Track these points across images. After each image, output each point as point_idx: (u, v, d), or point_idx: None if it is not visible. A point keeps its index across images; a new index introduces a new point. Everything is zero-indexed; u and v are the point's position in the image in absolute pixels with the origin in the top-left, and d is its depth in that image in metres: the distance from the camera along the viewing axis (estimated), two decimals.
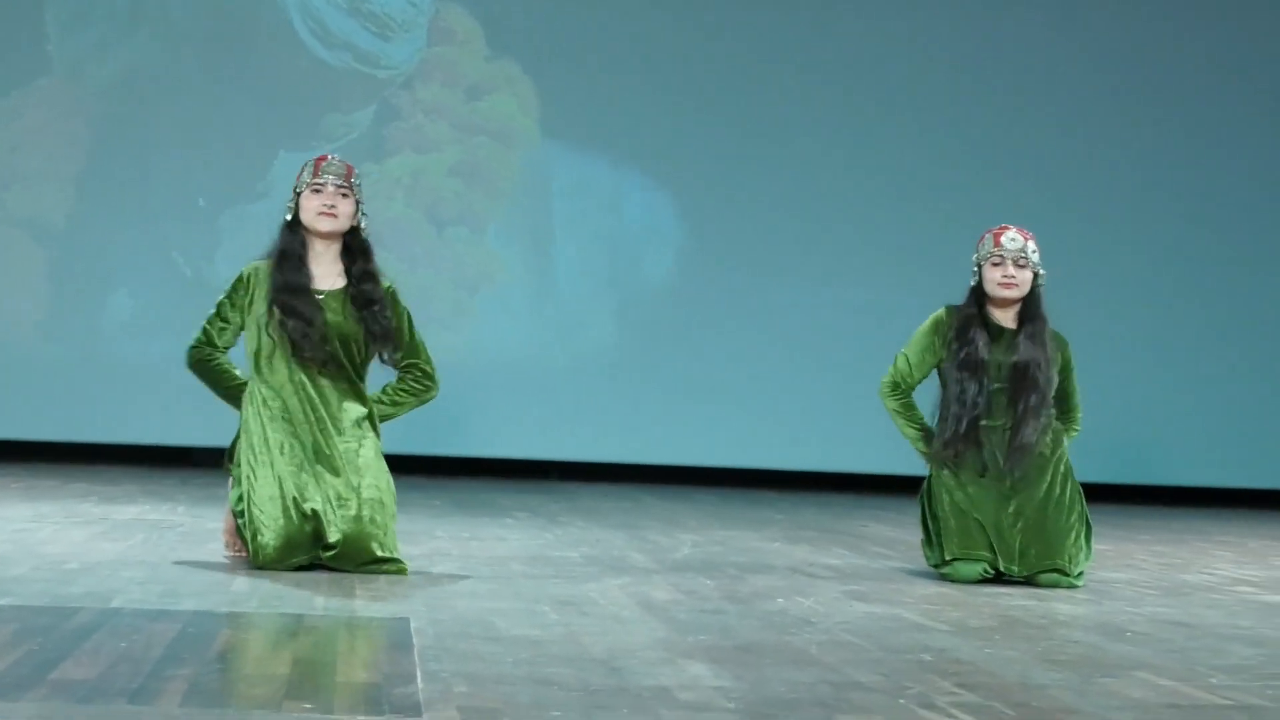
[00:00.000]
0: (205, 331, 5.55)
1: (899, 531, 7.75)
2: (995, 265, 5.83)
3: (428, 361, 5.66)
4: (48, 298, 10.65)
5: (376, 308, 5.49)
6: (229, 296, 5.53)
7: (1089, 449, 6.05)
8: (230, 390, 5.56)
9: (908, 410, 5.97)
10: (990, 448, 5.80)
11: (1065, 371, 5.95)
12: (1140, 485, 10.89)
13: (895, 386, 5.97)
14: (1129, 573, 6.24)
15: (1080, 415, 6.04)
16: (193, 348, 5.55)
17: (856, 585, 5.50)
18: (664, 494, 9.77)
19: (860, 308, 11.06)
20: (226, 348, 5.56)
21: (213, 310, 5.56)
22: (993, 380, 5.80)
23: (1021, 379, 5.79)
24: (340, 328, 5.45)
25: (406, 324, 5.62)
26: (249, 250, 5.67)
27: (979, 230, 6.01)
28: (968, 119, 11.17)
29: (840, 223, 11.10)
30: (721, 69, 11.07)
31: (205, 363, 5.55)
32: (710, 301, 11.04)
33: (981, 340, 5.81)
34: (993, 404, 5.81)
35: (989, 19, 11.26)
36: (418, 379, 5.65)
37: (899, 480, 10.71)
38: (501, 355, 10.85)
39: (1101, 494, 5.99)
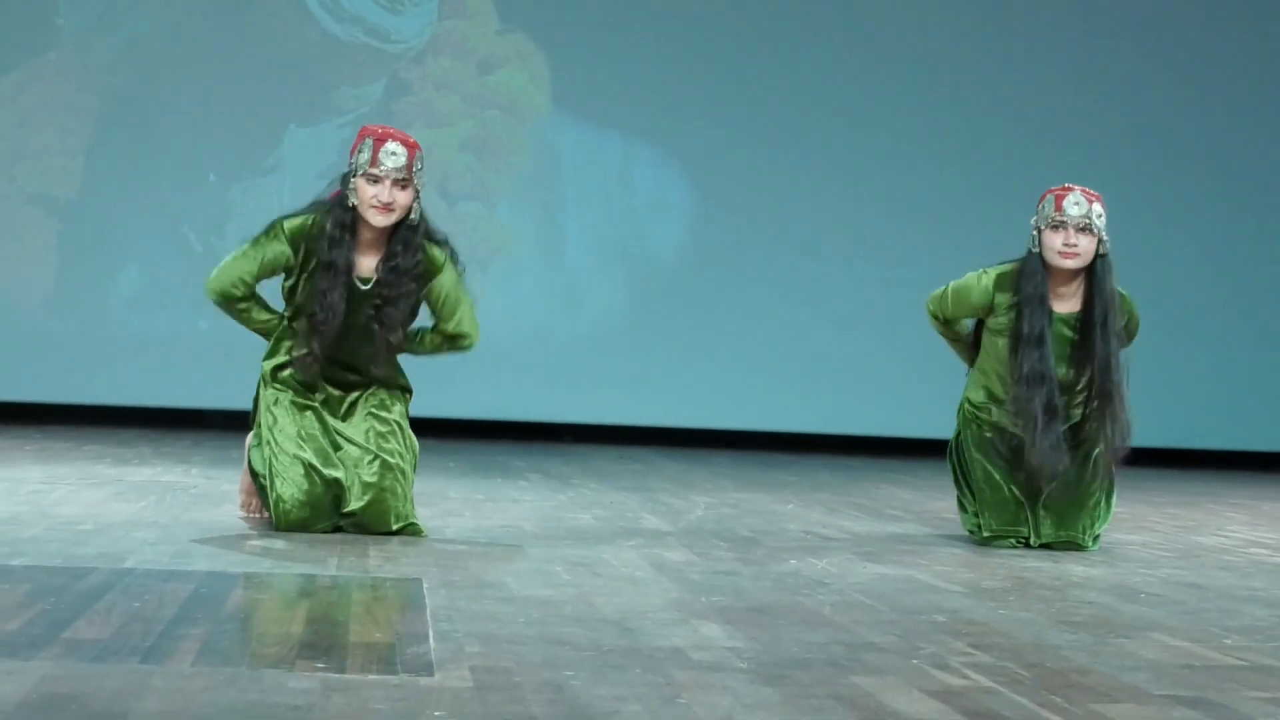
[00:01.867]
0: (239, 279, 5.30)
1: (912, 494, 7.75)
2: (1055, 230, 5.47)
3: (468, 336, 5.50)
4: (57, 271, 10.65)
5: (387, 305, 5.30)
6: (259, 249, 5.29)
7: None
8: (260, 327, 5.41)
9: (955, 335, 5.77)
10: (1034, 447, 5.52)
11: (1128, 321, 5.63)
12: (1155, 448, 10.87)
13: (936, 318, 5.77)
14: (1143, 535, 6.23)
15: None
16: (220, 299, 5.34)
17: (870, 547, 5.49)
18: (677, 457, 9.77)
19: (869, 274, 11.06)
20: (254, 285, 5.36)
21: (239, 253, 5.33)
22: (1059, 390, 5.50)
23: (1095, 398, 5.50)
24: (367, 319, 5.32)
25: (449, 298, 5.43)
26: (258, 224, 5.47)
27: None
28: (982, 86, 11.13)
29: (850, 192, 11.08)
30: (732, 40, 11.03)
31: (233, 308, 5.37)
32: (721, 272, 11.03)
33: (1047, 345, 5.46)
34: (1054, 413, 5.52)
35: None
36: (453, 342, 5.51)
37: (912, 443, 10.73)
38: (515, 328, 10.85)
39: None
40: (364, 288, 5.33)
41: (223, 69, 10.71)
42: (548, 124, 10.98)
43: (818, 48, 11.07)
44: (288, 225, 5.33)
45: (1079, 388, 5.58)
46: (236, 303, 5.38)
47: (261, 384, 5.41)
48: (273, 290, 5.48)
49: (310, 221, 5.32)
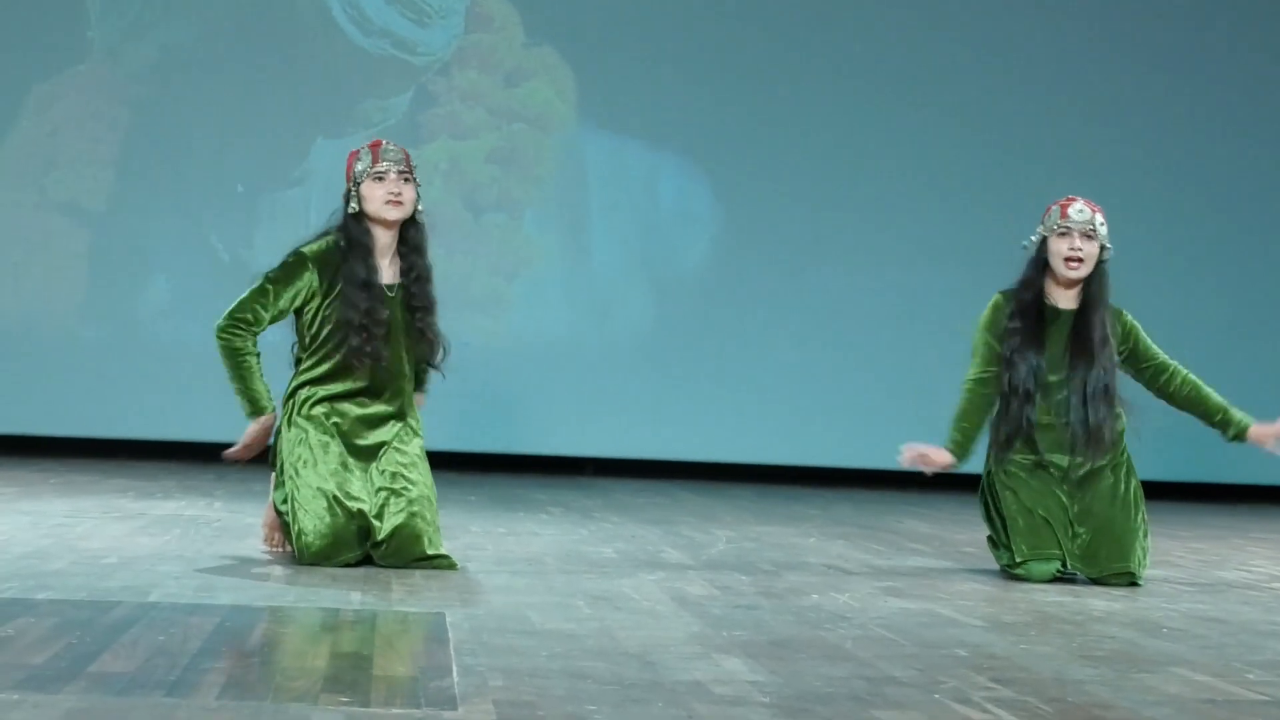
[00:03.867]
0: (253, 311, 5.36)
1: (934, 528, 7.74)
2: (1062, 237, 5.66)
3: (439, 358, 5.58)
4: (86, 282, 10.70)
5: (423, 313, 5.45)
6: (283, 281, 5.35)
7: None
8: (247, 390, 5.37)
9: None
10: (1048, 440, 5.69)
11: (1133, 338, 5.77)
12: (1178, 482, 10.84)
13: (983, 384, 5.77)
14: (1166, 569, 6.22)
15: (1175, 363, 5.82)
16: (231, 329, 5.35)
17: (891, 581, 5.49)
18: (699, 490, 9.77)
19: (901, 296, 11.01)
20: (268, 324, 5.41)
21: (257, 286, 5.37)
22: (1050, 370, 5.68)
23: (1083, 367, 5.66)
24: (401, 324, 5.44)
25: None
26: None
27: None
28: (1010, 104, 11.12)
29: (880, 209, 11.06)
30: (759, 53, 11.05)
31: (238, 354, 5.36)
32: (747, 288, 11.02)
33: (1036, 325, 5.67)
34: (1050, 394, 5.68)
35: (1025, 3, 11.24)
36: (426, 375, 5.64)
37: (935, 477, 10.69)
38: (538, 342, 10.86)
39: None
40: (390, 295, 5.43)
41: (251, 81, 10.76)
42: (574, 136, 11.00)
43: (845, 60, 11.07)
44: (309, 250, 5.41)
45: (1071, 380, 5.68)
46: (244, 350, 5.36)
47: (284, 423, 5.43)
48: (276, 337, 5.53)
49: (329, 244, 5.42)
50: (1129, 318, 5.81)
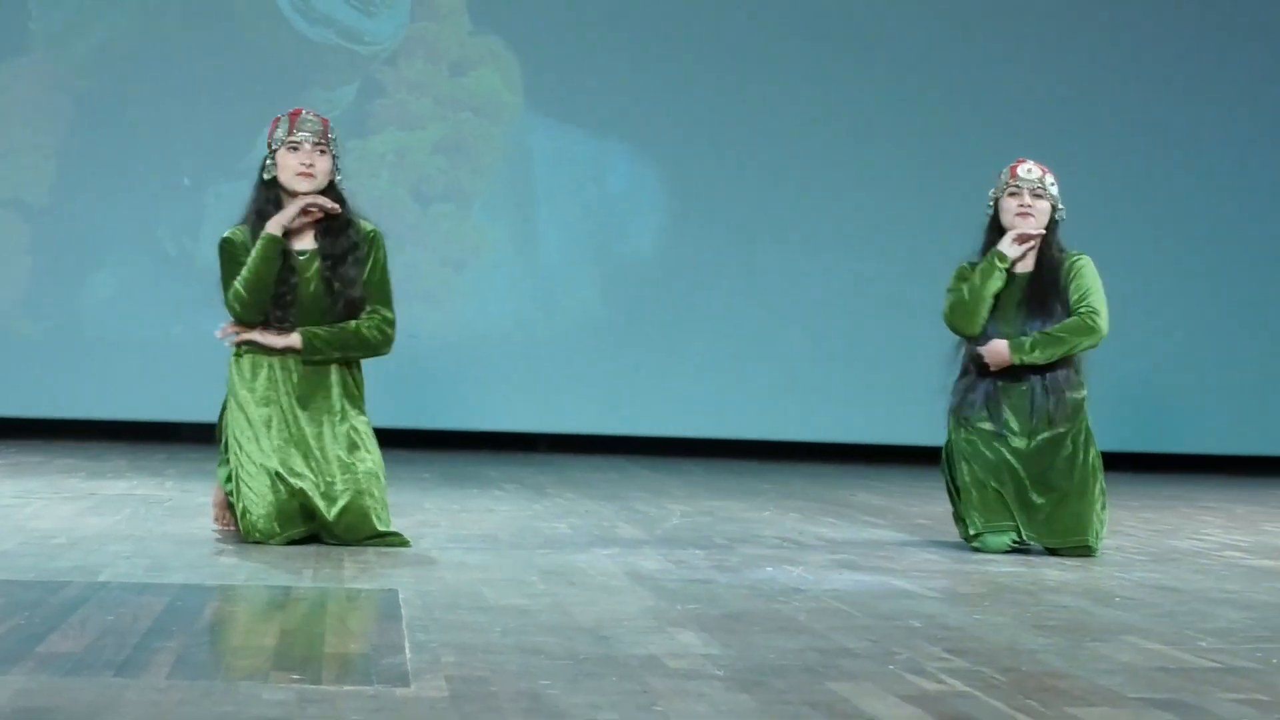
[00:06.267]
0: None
1: (887, 500, 7.76)
2: (1012, 196, 5.74)
3: (391, 312, 5.42)
4: (30, 274, 10.63)
5: (334, 264, 5.34)
6: (232, 266, 5.36)
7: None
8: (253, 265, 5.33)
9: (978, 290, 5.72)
10: (1011, 401, 5.69)
11: (1073, 283, 5.73)
12: (1128, 453, 10.90)
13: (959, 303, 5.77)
14: (1118, 539, 6.24)
15: (1094, 314, 5.68)
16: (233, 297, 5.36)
17: (845, 553, 5.50)
18: (652, 465, 9.77)
19: (846, 276, 11.05)
20: None
21: (225, 284, 5.38)
22: (1008, 335, 5.68)
23: (1037, 326, 5.67)
24: (319, 288, 5.37)
25: (381, 270, 5.42)
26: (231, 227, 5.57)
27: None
28: (959, 84, 11.14)
29: (825, 191, 11.09)
30: (704, 39, 11.05)
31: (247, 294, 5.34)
32: (695, 272, 11.04)
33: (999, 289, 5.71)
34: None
35: None
36: (377, 325, 5.40)
37: (888, 449, 10.74)
38: (489, 330, 10.85)
39: None
40: (303, 258, 5.38)
41: (195, 72, 10.69)
42: (521, 125, 10.98)
43: (790, 44, 11.07)
44: (229, 234, 5.44)
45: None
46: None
47: (227, 400, 5.40)
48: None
49: (243, 227, 5.44)
50: (1079, 262, 5.78)
